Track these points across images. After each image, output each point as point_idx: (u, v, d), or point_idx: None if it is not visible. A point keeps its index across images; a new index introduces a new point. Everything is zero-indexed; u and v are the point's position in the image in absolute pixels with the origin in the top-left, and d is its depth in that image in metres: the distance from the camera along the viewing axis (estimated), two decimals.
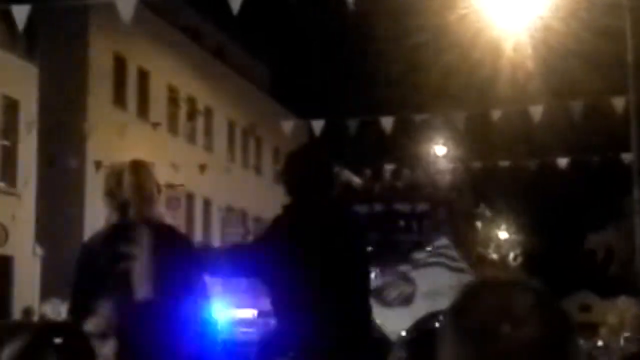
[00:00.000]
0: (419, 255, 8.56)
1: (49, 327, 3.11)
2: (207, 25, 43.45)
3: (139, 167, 5.36)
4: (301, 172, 5.40)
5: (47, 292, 24.21)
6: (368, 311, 5.33)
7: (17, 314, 24.47)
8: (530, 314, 1.66)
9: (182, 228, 34.73)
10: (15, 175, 29.27)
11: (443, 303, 2.63)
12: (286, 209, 5.38)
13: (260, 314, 25.74)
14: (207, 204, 41.33)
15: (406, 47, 23.78)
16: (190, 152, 36.29)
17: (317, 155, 5.55)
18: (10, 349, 2.73)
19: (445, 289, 7.72)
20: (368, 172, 19.00)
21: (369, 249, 5.77)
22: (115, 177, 5.31)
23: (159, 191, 5.38)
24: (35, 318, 18.60)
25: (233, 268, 5.43)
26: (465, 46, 21.17)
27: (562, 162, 18.21)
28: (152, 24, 35.52)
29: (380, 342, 5.36)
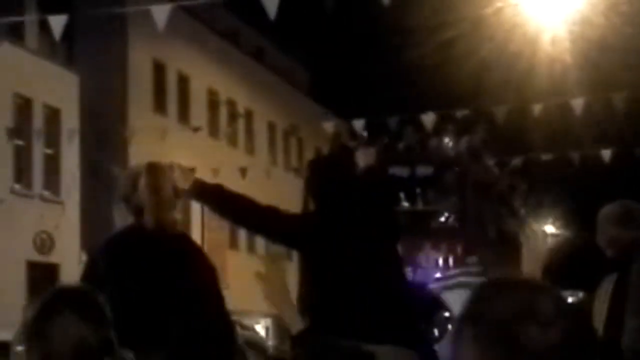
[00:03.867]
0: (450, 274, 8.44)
1: (65, 289, 3.36)
2: (245, 29, 43.55)
3: (155, 169, 4.95)
4: (325, 181, 5.29)
5: None
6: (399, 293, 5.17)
7: None
8: (555, 318, 1.57)
9: (225, 231, 34.85)
10: (58, 183, 29.51)
11: None
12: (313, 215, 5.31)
13: None
14: None
15: (442, 42, 23.67)
16: (232, 155, 36.32)
17: (340, 164, 5.44)
18: (31, 308, 2.96)
19: None
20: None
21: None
22: (130, 181, 4.92)
23: (178, 195, 4.98)
24: None
25: (273, 226, 5.26)
26: (502, 40, 21.03)
27: (606, 154, 18.00)
28: (191, 29, 35.67)
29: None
